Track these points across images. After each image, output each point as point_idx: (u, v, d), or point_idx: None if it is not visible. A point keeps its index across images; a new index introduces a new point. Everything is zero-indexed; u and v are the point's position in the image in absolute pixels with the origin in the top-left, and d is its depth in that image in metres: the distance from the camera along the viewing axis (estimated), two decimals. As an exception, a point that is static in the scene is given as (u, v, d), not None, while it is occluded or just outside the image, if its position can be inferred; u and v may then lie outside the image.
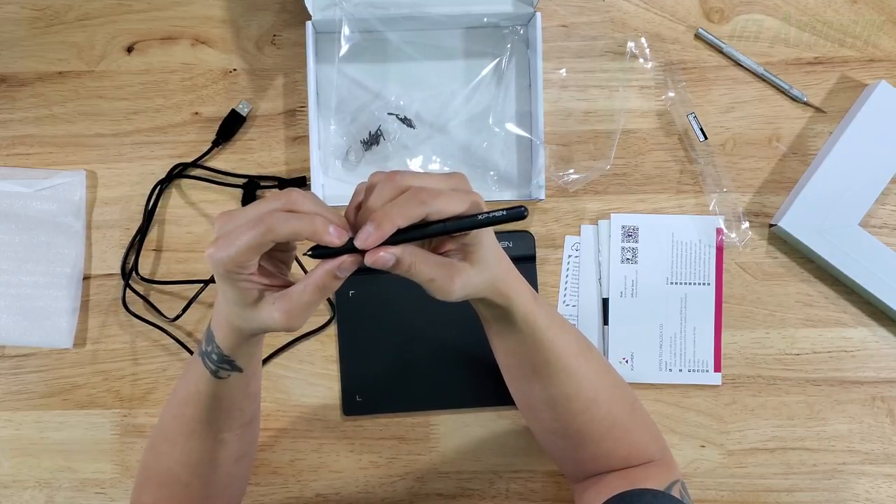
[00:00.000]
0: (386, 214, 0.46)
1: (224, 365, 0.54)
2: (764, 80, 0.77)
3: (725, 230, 0.76)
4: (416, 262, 0.48)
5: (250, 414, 0.60)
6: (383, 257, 0.46)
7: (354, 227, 0.47)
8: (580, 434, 0.61)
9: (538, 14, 0.73)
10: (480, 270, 0.51)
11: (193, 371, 0.56)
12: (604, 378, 0.62)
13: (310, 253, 0.48)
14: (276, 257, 0.51)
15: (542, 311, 0.57)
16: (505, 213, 0.47)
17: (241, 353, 0.54)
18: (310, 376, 0.76)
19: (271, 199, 0.47)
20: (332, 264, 0.47)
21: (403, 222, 0.46)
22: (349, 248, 0.47)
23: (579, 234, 0.77)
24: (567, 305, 0.77)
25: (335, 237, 0.46)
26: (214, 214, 0.76)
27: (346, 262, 0.46)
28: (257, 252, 0.46)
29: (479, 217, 0.47)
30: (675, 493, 0.60)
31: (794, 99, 0.77)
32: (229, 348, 0.53)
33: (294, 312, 0.47)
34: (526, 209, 0.46)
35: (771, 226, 0.76)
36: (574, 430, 0.61)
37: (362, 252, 0.46)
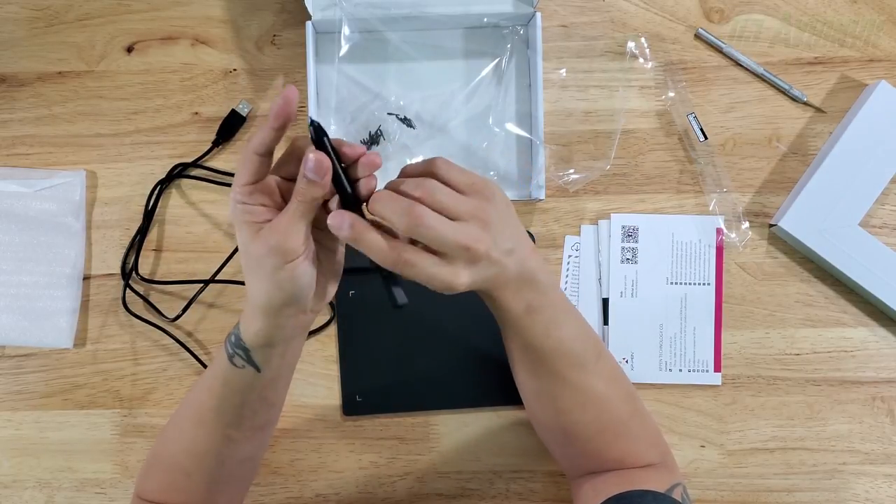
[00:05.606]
0: (380, 196, 0.50)
1: (239, 350, 0.55)
2: (764, 80, 0.77)
3: (725, 230, 0.76)
4: (416, 261, 0.50)
5: (264, 420, 0.61)
6: (341, 222, 0.50)
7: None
8: (565, 431, 0.61)
9: (538, 14, 0.73)
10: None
11: (217, 359, 0.58)
12: (605, 390, 0.60)
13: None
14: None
15: (537, 325, 0.56)
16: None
17: (258, 345, 0.54)
18: (310, 376, 0.76)
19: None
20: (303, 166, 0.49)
21: (382, 215, 0.50)
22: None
23: (579, 234, 0.77)
24: (567, 305, 0.77)
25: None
26: (214, 214, 0.76)
27: (310, 160, 0.48)
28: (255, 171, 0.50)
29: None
30: (677, 495, 0.59)
31: (794, 99, 0.77)
32: (245, 332, 0.54)
33: (282, 224, 0.49)
34: (400, 302, 0.52)
35: (771, 226, 0.76)
36: (559, 426, 0.61)
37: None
